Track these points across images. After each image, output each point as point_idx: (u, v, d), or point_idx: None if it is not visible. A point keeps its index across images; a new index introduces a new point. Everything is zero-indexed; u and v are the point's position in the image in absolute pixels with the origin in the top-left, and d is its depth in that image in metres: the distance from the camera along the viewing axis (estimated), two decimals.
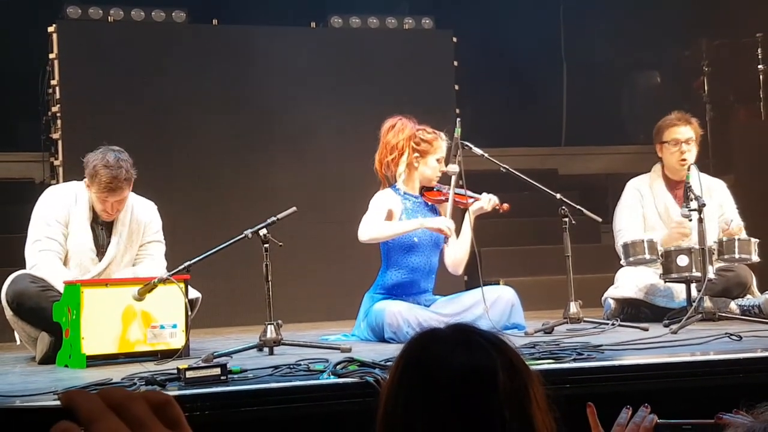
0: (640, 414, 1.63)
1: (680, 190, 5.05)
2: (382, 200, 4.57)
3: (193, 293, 4.22)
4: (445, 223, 4.46)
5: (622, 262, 4.98)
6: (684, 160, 5.06)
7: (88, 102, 6.14)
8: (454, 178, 4.52)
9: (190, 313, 4.02)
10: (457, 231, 4.69)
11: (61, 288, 4.04)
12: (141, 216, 4.43)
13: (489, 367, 1.32)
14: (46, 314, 3.98)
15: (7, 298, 4.15)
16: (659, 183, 5.20)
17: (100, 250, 4.32)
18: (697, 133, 5.15)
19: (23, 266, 4.27)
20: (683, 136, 5.11)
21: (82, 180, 4.33)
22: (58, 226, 4.24)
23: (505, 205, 4.60)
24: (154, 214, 4.49)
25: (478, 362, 1.33)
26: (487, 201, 4.56)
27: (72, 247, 4.27)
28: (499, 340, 1.39)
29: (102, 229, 4.35)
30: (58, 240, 4.24)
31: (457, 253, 4.64)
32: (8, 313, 4.19)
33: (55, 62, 6.18)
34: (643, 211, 5.19)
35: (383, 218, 4.51)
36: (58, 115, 6.14)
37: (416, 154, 4.58)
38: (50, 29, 6.20)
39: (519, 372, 1.35)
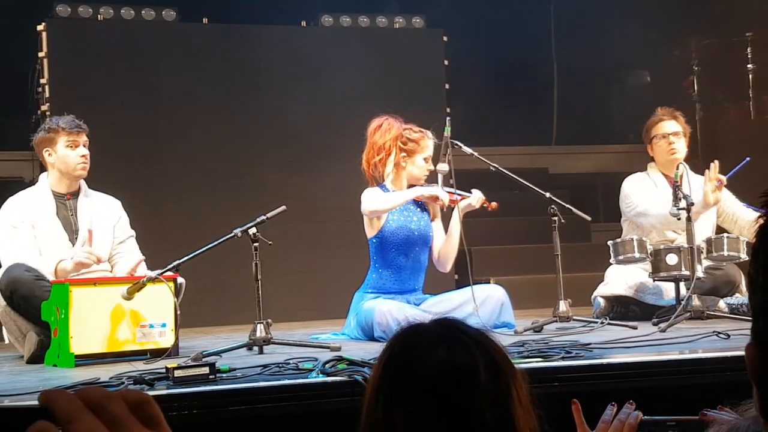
0: (625, 411, 1.63)
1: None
2: (373, 192, 4.58)
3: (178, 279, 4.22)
4: (438, 190, 4.48)
5: (612, 260, 4.99)
6: (673, 149, 5.10)
7: (78, 101, 6.12)
8: (442, 177, 4.52)
9: (176, 299, 4.01)
10: (446, 228, 4.70)
11: (50, 277, 4.09)
12: (107, 200, 4.56)
13: (470, 364, 1.31)
14: (38, 303, 4.00)
15: (0, 287, 4.14)
16: (658, 176, 5.22)
17: (73, 235, 4.38)
18: (685, 128, 5.18)
19: None
20: (669, 129, 5.16)
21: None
22: (24, 226, 4.30)
23: (494, 204, 4.61)
24: (121, 208, 4.61)
25: (458, 359, 1.31)
26: (476, 199, 4.58)
27: (45, 242, 4.31)
28: (483, 337, 1.37)
29: (71, 214, 4.42)
30: (27, 240, 4.29)
31: (446, 249, 4.66)
32: (1, 303, 4.18)
33: (45, 61, 6.17)
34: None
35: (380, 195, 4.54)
36: (48, 113, 6.11)
37: (403, 154, 4.59)
38: (39, 28, 6.19)
39: (502, 370, 1.33)
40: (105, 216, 4.50)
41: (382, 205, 4.50)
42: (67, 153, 4.38)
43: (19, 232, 4.28)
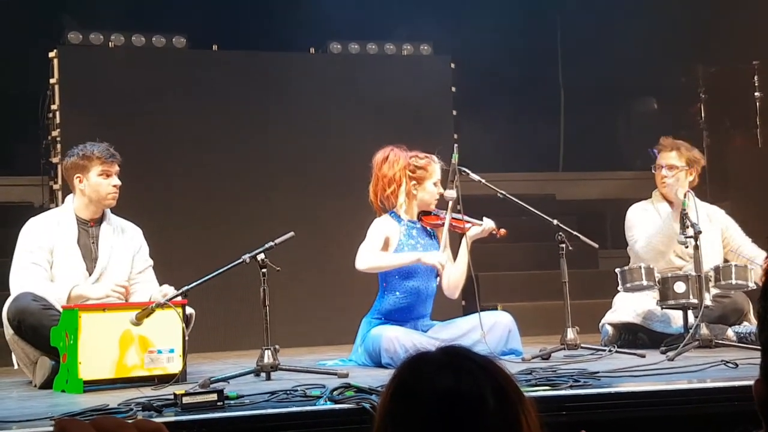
0: None
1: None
2: (380, 228, 4.58)
3: (187, 309, 4.23)
4: (438, 258, 4.49)
5: (619, 288, 4.98)
6: (663, 182, 5.11)
7: (88, 127, 6.15)
8: (451, 203, 4.54)
9: (186, 330, 4.02)
10: (454, 255, 4.71)
11: (58, 306, 4.07)
12: (129, 228, 4.53)
13: (477, 391, 1.31)
14: (47, 333, 3.99)
15: (8, 315, 4.16)
16: (663, 204, 5.22)
17: (91, 263, 4.36)
18: (689, 160, 5.15)
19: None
20: (664, 161, 5.16)
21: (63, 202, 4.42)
22: (41, 252, 4.28)
23: (503, 230, 4.62)
24: (142, 238, 4.59)
25: (465, 386, 1.31)
26: (484, 228, 4.58)
27: (62, 268, 4.29)
28: (491, 364, 1.36)
29: (92, 242, 4.39)
30: (42, 266, 4.26)
31: (453, 277, 4.66)
32: (8, 332, 4.19)
33: (56, 87, 6.22)
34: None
35: (380, 247, 4.53)
36: (58, 139, 6.17)
37: (413, 182, 4.61)
38: (51, 54, 6.24)
39: (509, 397, 1.33)
40: (125, 246, 4.47)
41: (377, 263, 4.50)
42: (99, 182, 4.35)
43: (34, 258, 4.26)
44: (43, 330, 4.02)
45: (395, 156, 4.62)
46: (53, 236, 4.31)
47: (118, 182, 4.40)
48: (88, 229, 4.41)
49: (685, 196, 4.73)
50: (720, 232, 5.19)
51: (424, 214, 4.68)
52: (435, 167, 4.64)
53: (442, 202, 4.64)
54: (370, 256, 4.49)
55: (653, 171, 5.22)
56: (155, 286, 4.44)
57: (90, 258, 4.36)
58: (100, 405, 3.19)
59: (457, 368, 1.34)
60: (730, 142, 8.04)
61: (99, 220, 4.44)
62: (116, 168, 4.39)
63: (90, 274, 4.33)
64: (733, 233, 5.19)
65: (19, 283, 4.24)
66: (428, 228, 4.71)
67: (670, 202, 5.16)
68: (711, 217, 5.17)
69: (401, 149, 4.66)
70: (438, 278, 4.58)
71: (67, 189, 5.85)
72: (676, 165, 5.12)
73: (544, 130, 8.66)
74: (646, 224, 5.17)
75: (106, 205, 4.41)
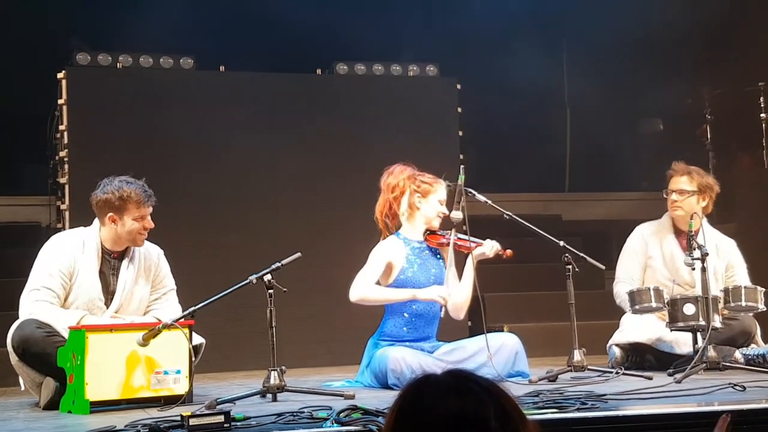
0: None
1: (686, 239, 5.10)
2: (382, 253, 4.58)
3: (197, 339, 4.22)
4: (437, 292, 4.49)
5: (628, 309, 4.97)
6: (675, 207, 5.13)
7: (96, 147, 6.19)
8: (455, 224, 4.54)
9: (194, 358, 4.02)
10: (459, 276, 4.70)
11: (64, 332, 4.03)
12: (148, 255, 4.41)
13: (480, 414, 1.32)
14: (51, 360, 3.97)
15: (12, 343, 4.15)
16: (668, 230, 5.22)
17: (108, 296, 4.28)
18: (701, 185, 5.14)
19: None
20: (675, 186, 5.17)
21: (90, 225, 4.33)
22: (60, 276, 4.18)
23: (509, 251, 4.62)
24: (162, 260, 4.48)
25: (469, 409, 1.32)
26: (490, 247, 4.59)
27: (79, 296, 4.21)
28: (494, 387, 1.38)
29: (112, 273, 4.31)
30: (56, 291, 4.16)
31: (459, 298, 4.65)
32: (13, 358, 4.18)
33: (64, 108, 6.25)
34: (647, 257, 5.21)
35: (379, 274, 4.53)
36: (66, 159, 6.20)
37: (418, 194, 4.62)
38: (59, 75, 6.28)
39: (512, 419, 1.33)
40: (144, 276, 4.37)
41: (369, 296, 4.49)
42: (133, 225, 4.22)
43: (52, 282, 4.16)
44: (47, 357, 4.00)
45: (401, 168, 4.67)
46: (76, 261, 4.21)
47: (152, 225, 4.25)
48: (111, 260, 4.31)
49: (691, 218, 4.74)
50: (725, 266, 5.17)
51: (430, 233, 4.69)
52: (440, 187, 4.65)
53: (446, 225, 4.65)
54: (363, 289, 4.48)
55: (664, 195, 5.22)
56: (176, 310, 4.34)
57: (107, 291, 4.27)
58: (107, 426, 3.18)
59: (461, 391, 1.35)
60: (736, 164, 8.04)
61: (122, 253, 4.33)
62: (151, 209, 4.26)
63: (107, 307, 4.25)
64: (737, 272, 5.17)
65: (28, 308, 4.17)
66: (433, 247, 4.71)
67: (678, 230, 5.16)
68: (719, 248, 5.15)
69: (409, 165, 4.69)
70: (443, 309, 4.58)
71: (76, 209, 5.89)
72: (686, 190, 5.12)
73: (550, 151, 8.68)
74: (633, 266, 5.18)
75: (135, 245, 4.30)
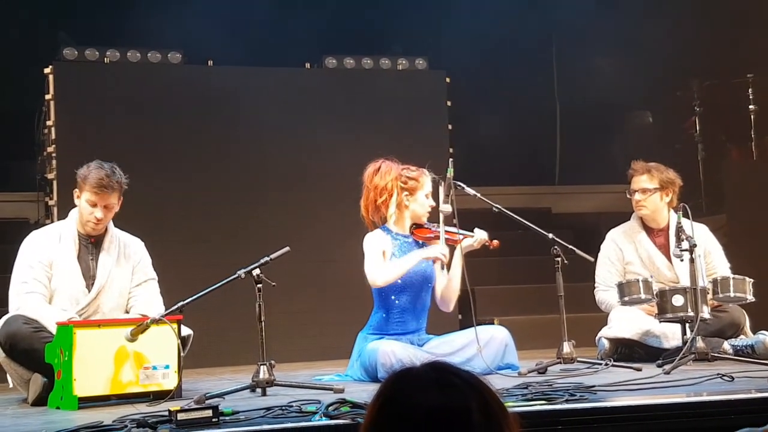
0: None
1: (660, 237, 5.12)
2: (375, 242, 4.58)
3: (185, 330, 4.21)
4: (439, 250, 4.50)
5: (618, 301, 4.98)
6: (639, 206, 5.16)
7: (84, 142, 6.17)
8: (444, 217, 4.53)
9: (182, 351, 4.01)
10: (448, 267, 4.70)
11: (52, 328, 4.03)
12: (129, 243, 4.45)
13: (462, 407, 1.31)
14: (38, 356, 3.96)
15: (0, 340, 4.14)
16: (639, 231, 5.23)
17: (90, 281, 4.32)
18: (662, 181, 5.13)
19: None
20: (637, 185, 5.18)
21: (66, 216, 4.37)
22: (41, 266, 4.24)
23: (495, 242, 4.61)
24: (143, 250, 4.51)
25: (450, 402, 1.32)
26: (477, 239, 4.58)
27: (61, 284, 4.25)
28: (476, 380, 1.37)
29: (92, 259, 4.35)
30: (42, 281, 4.22)
31: (448, 289, 4.65)
32: (0, 354, 4.17)
33: (51, 103, 6.22)
34: (624, 263, 5.22)
35: (381, 258, 4.53)
36: (54, 155, 6.17)
37: (405, 193, 4.61)
38: (47, 70, 6.25)
39: (494, 412, 1.33)
40: (125, 262, 4.40)
41: (392, 275, 4.50)
42: (84, 207, 4.28)
43: (34, 273, 4.22)
44: (35, 353, 4.00)
45: (387, 167, 4.62)
46: (53, 251, 4.28)
47: (101, 215, 4.25)
48: (88, 245, 4.36)
49: (677, 210, 4.74)
50: (704, 252, 5.17)
51: (416, 227, 4.68)
52: (426, 179, 4.64)
53: (433, 216, 4.64)
54: (383, 270, 4.49)
55: (628, 196, 5.23)
56: (157, 300, 4.38)
57: (89, 275, 4.32)
58: (95, 422, 3.17)
59: (443, 384, 1.34)
60: (725, 156, 8.06)
61: (100, 237, 4.38)
62: (108, 200, 4.24)
63: (89, 291, 4.30)
64: (714, 258, 5.17)
65: (16, 302, 4.21)
66: (420, 241, 4.70)
67: (649, 229, 5.18)
68: (697, 236, 5.15)
69: (393, 161, 4.66)
70: (443, 267, 4.57)
71: (63, 205, 5.86)
72: (648, 188, 5.14)
73: (540, 144, 8.68)
74: (611, 275, 5.19)
75: (86, 230, 4.34)
